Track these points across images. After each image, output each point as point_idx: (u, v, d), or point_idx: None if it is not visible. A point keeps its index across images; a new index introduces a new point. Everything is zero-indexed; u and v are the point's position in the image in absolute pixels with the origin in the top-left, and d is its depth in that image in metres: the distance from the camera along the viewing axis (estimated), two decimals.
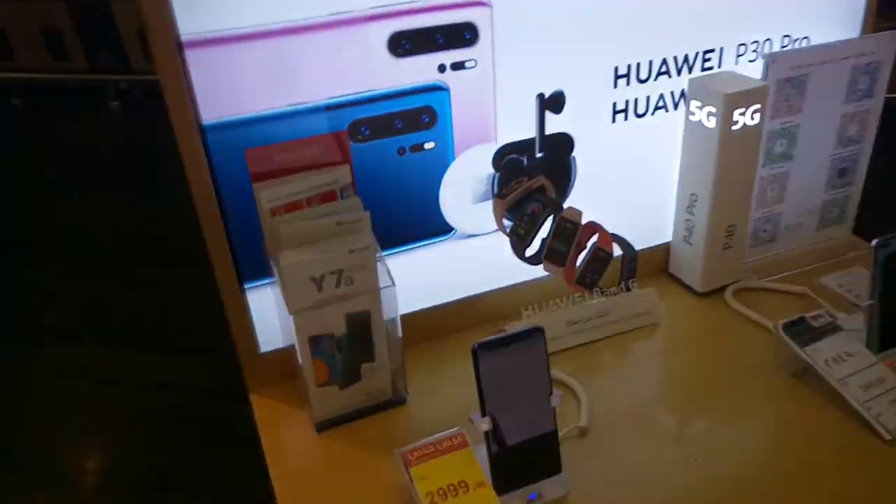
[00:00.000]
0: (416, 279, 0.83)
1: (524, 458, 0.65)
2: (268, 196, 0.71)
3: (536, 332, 0.63)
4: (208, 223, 0.72)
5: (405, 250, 0.82)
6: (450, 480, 0.65)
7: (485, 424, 0.63)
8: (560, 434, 0.72)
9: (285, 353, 0.78)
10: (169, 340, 1.99)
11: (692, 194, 0.89)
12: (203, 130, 0.69)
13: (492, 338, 0.62)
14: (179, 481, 1.59)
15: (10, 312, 2.16)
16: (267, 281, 0.77)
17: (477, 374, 0.62)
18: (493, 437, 0.64)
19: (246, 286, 0.77)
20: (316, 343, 0.71)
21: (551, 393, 0.64)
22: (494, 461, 0.64)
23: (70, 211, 2.68)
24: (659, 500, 0.66)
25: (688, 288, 0.94)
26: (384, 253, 0.80)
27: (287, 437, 0.76)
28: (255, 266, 0.76)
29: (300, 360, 0.71)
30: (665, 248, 0.96)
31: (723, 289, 0.93)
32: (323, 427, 0.76)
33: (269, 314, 0.79)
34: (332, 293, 0.70)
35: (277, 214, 0.71)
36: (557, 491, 0.67)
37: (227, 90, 0.69)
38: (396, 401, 0.78)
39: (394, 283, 0.72)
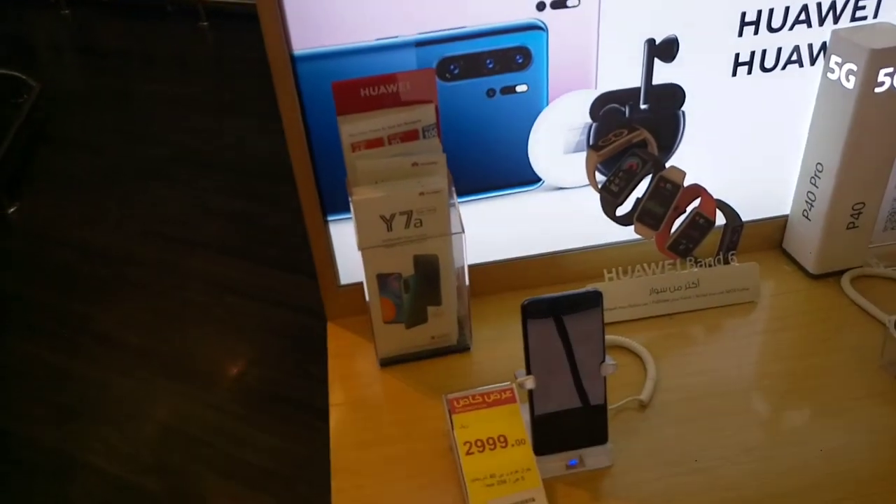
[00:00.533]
0: (497, 229, 0.81)
1: (569, 422, 0.63)
2: (349, 130, 0.71)
3: (594, 296, 0.60)
4: (296, 151, 0.74)
5: (488, 198, 0.80)
6: (490, 433, 0.64)
7: (528, 383, 0.61)
8: (617, 404, 0.69)
9: (361, 288, 0.80)
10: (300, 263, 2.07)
11: (818, 164, 0.80)
12: (293, 60, 0.70)
13: (545, 297, 0.60)
14: (289, 396, 1.70)
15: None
16: (349, 215, 0.78)
17: (525, 332, 0.60)
18: (538, 397, 0.62)
19: (330, 218, 0.78)
20: (383, 281, 0.72)
21: (603, 361, 0.61)
22: (536, 422, 0.63)
23: (229, 130, 2.86)
24: (707, 488, 0.62)
25: (800, 268, 0.85)
26: (466, 198, 0.79)
27: (352, 368, 0.78)
28: (340, 199, 0.77)
29: (367, 297, 0.73)
30: (780, 223, 0.87)
31: (840, 273, 0.83)
32: (386, 363, 0.77)
33: (351, 248, 0.80)
34: (402, 234, 0.70)
35: (358, 150, 0.71)
36: (600, 461, 0.65)
37: (318, 21, 0.69)
38: (460, 348, 0.78)
39: (463, 231, 0.71)
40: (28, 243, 2.32)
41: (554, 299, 0.60)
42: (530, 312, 0.59)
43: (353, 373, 0.78)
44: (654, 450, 0.66)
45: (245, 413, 1.69)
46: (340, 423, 0.72)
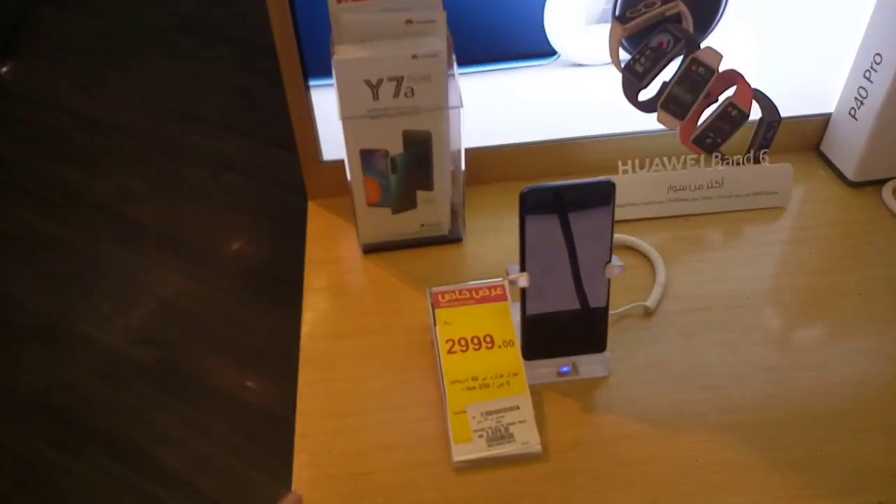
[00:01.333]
0: (501, 108, 0.72)
1: (564, 326, 0.57)
2: None
3: (605, 188, 0.52)
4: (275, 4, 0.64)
5: (493, 70, 0.71)
6: (475, 332, 0.58)
7: (522, 280, 0.54)
8: (619, 309, 0.62)
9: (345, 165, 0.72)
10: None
11: (876, 55, 0.70)
12: None
13: (548, 185, 0.52)
14: (286, 278, 1.65)
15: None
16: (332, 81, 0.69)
17: (522, 223, 0.52)
18: (532, 296, 0.55)
19: (312, 83, 0.69)
20: (368, 158, 0.64)
21: (609, 261, 0.54)
22: (528, 322, 0.56)
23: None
24: (713, 409, 0.56)
25: (838, 173, 0.76)
26: (467, 69, 0.70)
27: (332, 252, 0.71)
28: (325, 60, 0.67)
29: (349, 175, 0.65)
30: (821, 122, 0.77)
31: (882, 182, 0.74)
32: (369, 250, 0.70)
33: (335, 118, 0.72)
34: (390, 104, 0.61)
35: (343, 0, 0.61)
36: (595, 370, 0.59)
37: None
38: (451, 238, 0.71)
39: (462, 105, 0.62)
40: (19, 105, 2.22)
41: (558, 189, 0.52)
42: (529, 203, 0.52)
43: (332, 257, 0.71)
44: (656, 362, 0.60)
45: (239, 292, 1.65)
46: (314, 310, 0.66)
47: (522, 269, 0.54)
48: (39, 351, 1.54)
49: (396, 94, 0.61)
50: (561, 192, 0.52)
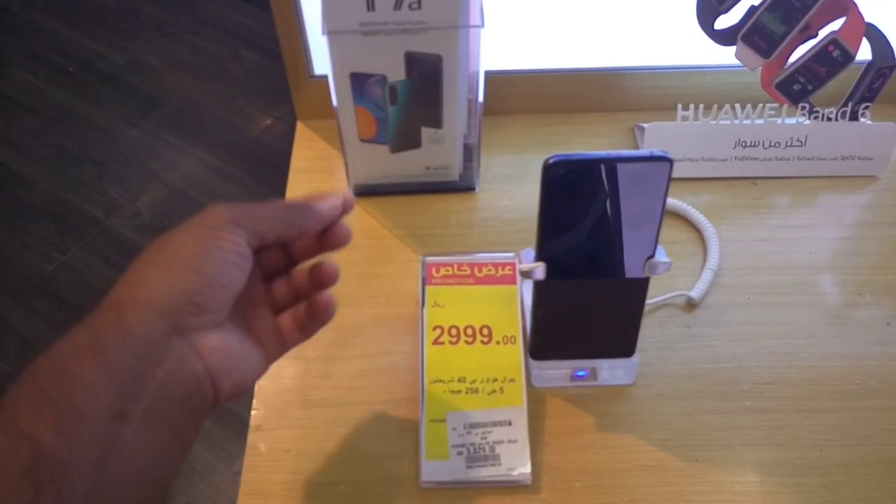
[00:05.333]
0: (532, 22, 0.57)
1: (585, 326, 0.45)
2: None
3: (657, 167, 0.39)
4: None
5: None
6: (471, 321, 0.47)
7: (538, 272, 0.42)
8: (656, 299, 0.51)
9: None
10: None
11: None
12: None
13: (580, 156, 0.39)
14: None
15: None
16: None
17: (543, 201, 0.40)
18: (546, 290, 0.43)
19: None
20: (360, 84, 0.51)
21: (652, 256, 0.42)
22: (539, 320, 0.45)
23: None
24: (758, 436, 0.45)
25: None
26: None
27: (317, 188, 0.59)
28: None
29: (334, 102, 0.52)
30: None
31: None
32: (362, 192, 0.58)
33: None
34: (389, 16, 0.47)
35: None
36: (619, 378, 0.47)
37: None
38: (463, 186, 0.58)
39: (483, 25, 0.48)
40: None
41: (594, 161, 0.39)
42: (554, 177, 0.39)
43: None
44: (695, 371, 0.48)
45: (251, 183, 1.55)
46: None
47: (539, 256, 0.42)
48: (46, 231, 1.48)
49: (398, 6, 0.47)
50: (597, 166, 0.39)
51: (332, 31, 0.48)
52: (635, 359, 0.47)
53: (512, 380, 0.45)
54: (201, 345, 0.30)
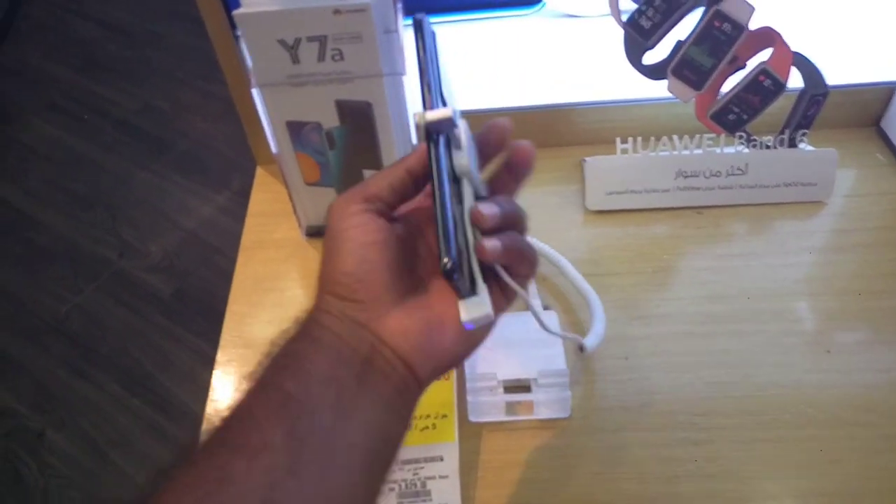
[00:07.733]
0: (475, 65, 0.59)
1: None
2: None
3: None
4: None
5: (464, 20, 0.57)
6: None
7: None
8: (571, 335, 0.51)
9: None
10: None
11: None
12: None
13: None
14: None
15: None
16: None
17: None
18: None
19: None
20: (297, 131, 0.53)
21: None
22: None
23: None
24: (690, 469, 0.45)
25: None
26: (435, 18, 0.56)
27: (271, 234, 0.61)
28: None
29: (274, 149, 0.54)
30: (883, 94, 0.61)
31: None
32: (314, 233, 0.60)
33: None
34: (315, 68, 0.49)
35: None
36: (554, 411, 0.48)
37: None
38: None
39: (405, 73, 0.49)
40: (49, 13, 2.16)
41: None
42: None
43: (271, 240, 0.61)
44: (630, 403, 0.48)
45: None
46: (241, 304, 0.56)
47: None
48: (60, 273, 1.53)
49: (322, 58, 0.49)
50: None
51: (262, 84, 0.50)
52: (567, 392, 0.47)
53: (444, 416, 0.46)
54: (383, 331, 0.30)
